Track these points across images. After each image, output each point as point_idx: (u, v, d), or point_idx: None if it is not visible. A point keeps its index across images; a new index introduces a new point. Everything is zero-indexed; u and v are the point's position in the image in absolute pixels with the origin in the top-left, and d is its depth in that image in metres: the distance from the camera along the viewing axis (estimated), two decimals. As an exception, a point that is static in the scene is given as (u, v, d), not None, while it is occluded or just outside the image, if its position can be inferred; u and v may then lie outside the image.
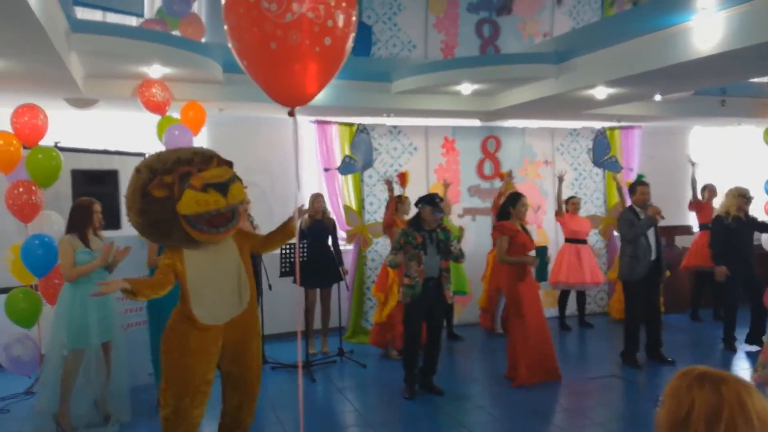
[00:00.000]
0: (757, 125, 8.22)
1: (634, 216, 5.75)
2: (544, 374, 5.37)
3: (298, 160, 2.13)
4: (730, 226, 6.13)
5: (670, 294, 7.78)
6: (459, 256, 5.13)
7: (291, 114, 2.22)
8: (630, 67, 5.08)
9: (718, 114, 7.66)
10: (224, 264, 3.54)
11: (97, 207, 4.43)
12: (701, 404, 1.34)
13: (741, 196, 6.18)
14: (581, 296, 7.62)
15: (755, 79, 7.03)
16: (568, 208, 7.37)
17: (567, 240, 7.37)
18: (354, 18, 2.18)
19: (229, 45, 2.16)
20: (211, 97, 6.06)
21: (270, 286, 5.81)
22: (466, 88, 6.39)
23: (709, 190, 7.74)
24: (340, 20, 2.13)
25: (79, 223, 4.34)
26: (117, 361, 4.49)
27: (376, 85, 6.66)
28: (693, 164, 7.68)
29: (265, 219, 5.97)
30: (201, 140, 6.49)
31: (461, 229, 6.85)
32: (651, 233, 5.75)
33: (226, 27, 2.13)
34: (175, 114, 6.01)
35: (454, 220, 7.35)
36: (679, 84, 5.88)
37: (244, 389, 3.65)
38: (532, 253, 5.38)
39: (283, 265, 5.69)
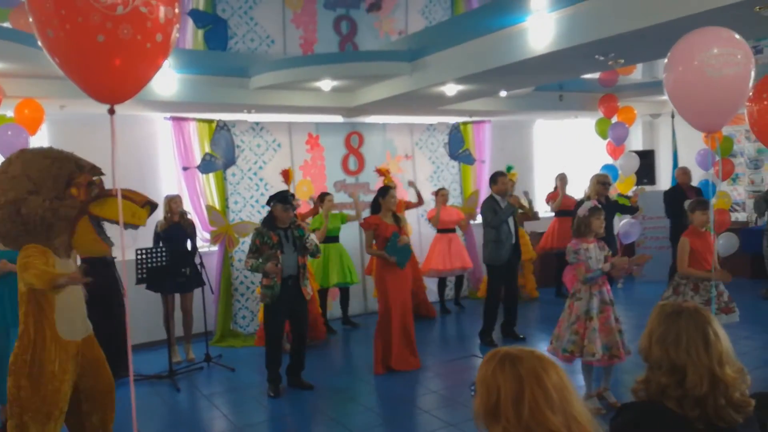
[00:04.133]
0: (591, 117, 9.07)
1: (496, 204, 6.16)
2: (401, 364, 5.53)
3: (114, 160, 2.01)
4: None
5: (536, 273, 8.39)
6: (315, 252, 5.19)
7: (111, 111, 2.12)
8: (475, 65, 5.39)
9: (557, 108, 8.38)
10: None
11: None
12: (506, 388, 1.43)
13: (600, 183, 6.76)
14: (458, 280, 8.03)
15: (587, 76, 7.76)
16: (437, 199, 7.69)
17: (439, 231, 7.70)
18: (178, 12, 2.12)
19: (38, 36, 2.00)
20: (50, 93, 5.58)
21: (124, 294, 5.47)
22: (327, 84, 6.43)
23: (561, 179, 8.44)
24: (170, 16, 2.06)
25: None
26: None
27: (235, 80, 6.51)
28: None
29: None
30: (40, 140, 5.98)
31: (355, 204, 7.08)
32: (511, 220, 6.22)
33: (32, 17, 1.97)
34: (8, 113, 5.48)
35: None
36: (520, 80, 6.33)
37: (103, 404, 3.47)
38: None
39: (140, 271, 5.39)
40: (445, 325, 7.49)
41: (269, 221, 5.05)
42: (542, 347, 5.07)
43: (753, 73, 3.25)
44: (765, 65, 7.16)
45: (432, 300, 7.99)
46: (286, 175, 6.53)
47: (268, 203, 5.14)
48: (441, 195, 7.68)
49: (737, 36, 3.21)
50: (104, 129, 6.52)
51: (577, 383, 4.56)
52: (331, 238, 6.85)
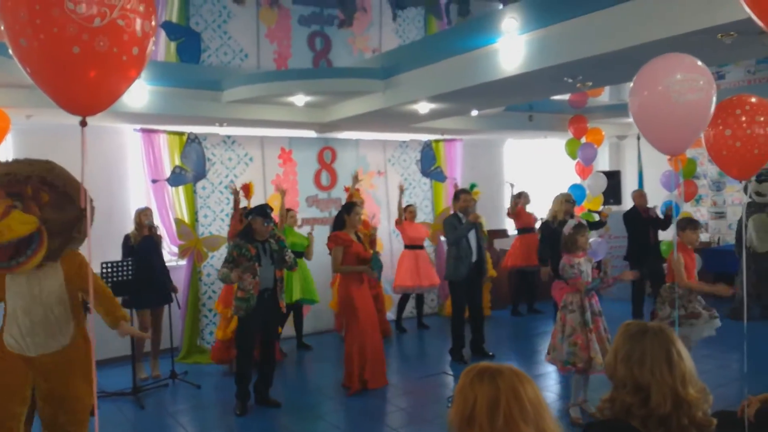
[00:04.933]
0: (560, 138, 9.24)
1: (457, 221, 6.22)
2: (374, 381, 5.50)
3: (84, 173, 1.98)
4: (556, 230, 6.75)
5: (493, 292, 8.47)
6: (293, 265, 5.17)
7: (84, 123, 2.10)
8: (447, 84, 5.46)
9: (526, 128, 8.51)
10: (42, 291, 3.25)
11: None
12: (482, 398, 1.48)
13: (567, 202, 6.84)
14: (419, 299, 8.02)
15: (557, 97, 7.91)
16: (405, 215, 7.73)
17: (406, 246, 7.72)
18: (154, 25, 2.12)
19: (9, 45, 1.97)
20: (17, 102, 5.48)
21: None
22: (300, 99, 6.43)
23: (524, 198, 8.56)
24: (147, 29, 2.06)
25: None
26: None
27: (207, 93, 6.46)
28: (511, 185, 8.57)
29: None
30: (5, 150, 5.85)
31: (310, 237, 6.97)
32: (473, 237, 6.24)
33: (3, 25, 1.94)
34: (-29, 121, 5.34)
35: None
36: (491, 100, 6.44)
37: (51, 428, 3.31)
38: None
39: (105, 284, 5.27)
40: (412, 343, 7.49)
41: (247, 233, 5.02)
42: (512, 363, 5.10)
43: (714, 99, 3.37)
44: (726, 90, 7.44)
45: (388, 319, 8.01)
46: (246, 189, 6.48)
47: (246, 216, 5.12)
48: (409, 211, 7.74)
49: (699, 63, 3.32)
50: (71, 139, 6.43)
51: (547, 398, 4.61)
52: (296, 253, 6.79)
